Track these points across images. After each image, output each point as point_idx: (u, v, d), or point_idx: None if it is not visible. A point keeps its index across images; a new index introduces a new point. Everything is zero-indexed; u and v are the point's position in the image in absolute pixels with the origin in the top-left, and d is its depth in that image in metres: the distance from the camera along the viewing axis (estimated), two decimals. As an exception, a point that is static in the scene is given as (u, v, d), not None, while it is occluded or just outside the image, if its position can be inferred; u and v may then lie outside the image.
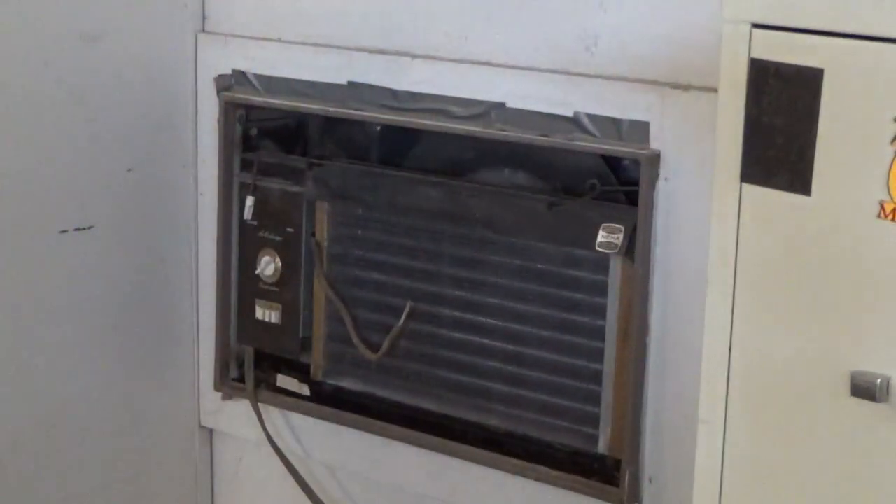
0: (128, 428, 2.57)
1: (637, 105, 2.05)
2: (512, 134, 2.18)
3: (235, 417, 2.61)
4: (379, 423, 2.41)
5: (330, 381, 2.46)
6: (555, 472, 2.21)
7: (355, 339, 2.39)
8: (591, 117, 2.09)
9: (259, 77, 2.46)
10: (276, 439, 2.54)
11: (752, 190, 1.57)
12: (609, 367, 2.15)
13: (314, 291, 2.45)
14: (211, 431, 2.70)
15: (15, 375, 2.39)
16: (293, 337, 2.48)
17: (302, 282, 2.46)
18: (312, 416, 2.49)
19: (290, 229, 2.45)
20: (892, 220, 1.47)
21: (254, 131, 2.51)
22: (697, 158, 2.00)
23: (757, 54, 1.54)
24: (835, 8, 1.48)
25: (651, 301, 2.08)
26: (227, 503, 2.73)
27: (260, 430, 2.53)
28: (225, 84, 2.50)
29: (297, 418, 2.53)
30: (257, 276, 2.49)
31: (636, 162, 2.08)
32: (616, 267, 2.12)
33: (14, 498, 2.43)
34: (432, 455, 2.35)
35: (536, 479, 2.24)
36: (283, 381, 2.53)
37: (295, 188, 2.44)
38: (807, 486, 1.59)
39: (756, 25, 1.54)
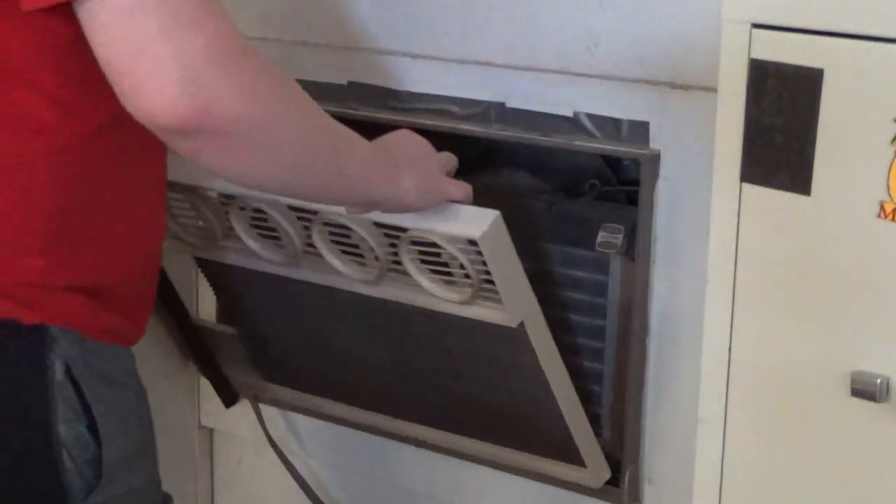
0: (128, 428, 2.57)
1: (637, 105, 2.04)
2: (512, 134, 2.18)
3: (235, 417, 2.61)
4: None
5: (330, 381, 2.46)
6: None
7: (355, 339, 2.39)
8: (591, 117, 2.09)
9: (259, 77, 2.46)
10: (276, 439, 2.53)
11: (752, 190, 1.57)
12: (609, 367, 2.14)
13: (314, 291, 2.45)
14: (211, 431, 2.70)
15: (15, 375, 2.39)
16: (293, 337, 2.47)
17: (302, 282, 2.45)
18: (312, 416, 2.49)
19: (290, 229, 2.44)
20: (892, 220, 1.47)
21: (254, 131, 2.50)
22: (697, 158, 2.00)
23: (757, 54, 1.54)
24: (835, 8, 1.48)
25: (651, 301, 2.08)
26: (226, 503, 2.73)
27: (260, 430, 2.53)
28: (225, 84, 2.50)
29: (298, 418, 2.52)
30: (257, 276, 2.48)
31: (636, 162, 2.08)
32: (616, 267, 2.12)
33: (14, 498, 2.43)
34: (432, 455, 2.35)
35: (536, 479, 2.23)
36: (283, 381, 2.53)
37: (295, 188, 2.43)
38: (807, 487, 1.59)
39: (756, 25, 1.54)
